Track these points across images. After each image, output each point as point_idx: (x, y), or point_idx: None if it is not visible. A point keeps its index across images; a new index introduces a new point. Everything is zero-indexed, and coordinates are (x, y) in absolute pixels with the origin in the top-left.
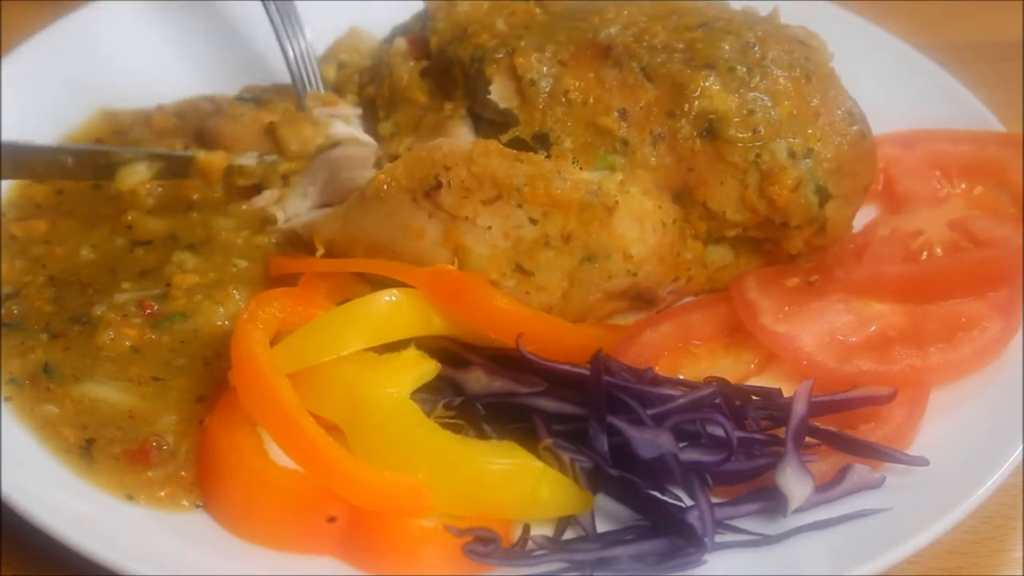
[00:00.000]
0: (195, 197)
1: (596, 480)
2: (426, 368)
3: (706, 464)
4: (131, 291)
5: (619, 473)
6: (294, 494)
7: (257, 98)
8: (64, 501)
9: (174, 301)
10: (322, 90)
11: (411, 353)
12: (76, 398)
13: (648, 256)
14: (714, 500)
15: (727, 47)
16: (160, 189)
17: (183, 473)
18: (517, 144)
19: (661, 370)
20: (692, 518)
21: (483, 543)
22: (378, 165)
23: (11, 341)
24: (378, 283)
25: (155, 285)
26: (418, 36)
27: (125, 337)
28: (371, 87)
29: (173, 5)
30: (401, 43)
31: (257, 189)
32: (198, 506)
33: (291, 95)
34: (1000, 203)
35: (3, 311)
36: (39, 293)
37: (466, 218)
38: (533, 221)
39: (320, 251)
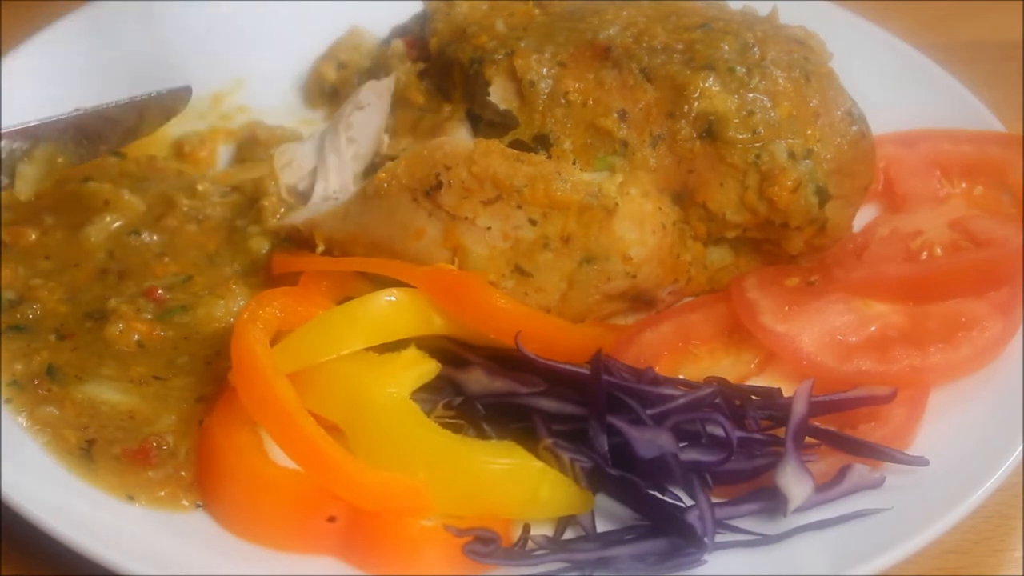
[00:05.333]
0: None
1: (596, 480)
2: (426, 368)
3: (706, 464)
4: (155, 280)
5: (619, 473)
6: (294, 494)
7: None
8: (64, 501)
9: (186, 289)
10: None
11: (411, 353)
12: (76, 399)
13: (647, 258)
14: (714, 500)
15: (726, 48)
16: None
17: (183, 473)
18: (517, 146)
19: (661, 370)
20: (692, 518)
21: (483, 543)
22: (378, 167)
23: (15, 344)
24: (379, 281)
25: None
26: (416, 37)
27: (134, 331)
28: None
29: (172, 4)
30: (399, 44)
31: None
32: (198, 506)
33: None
34: (1000, 203)
35: (8, 316)
36: (51, 295)
37: (466, 218)
38: (533, 222)
39: (320, 247)
